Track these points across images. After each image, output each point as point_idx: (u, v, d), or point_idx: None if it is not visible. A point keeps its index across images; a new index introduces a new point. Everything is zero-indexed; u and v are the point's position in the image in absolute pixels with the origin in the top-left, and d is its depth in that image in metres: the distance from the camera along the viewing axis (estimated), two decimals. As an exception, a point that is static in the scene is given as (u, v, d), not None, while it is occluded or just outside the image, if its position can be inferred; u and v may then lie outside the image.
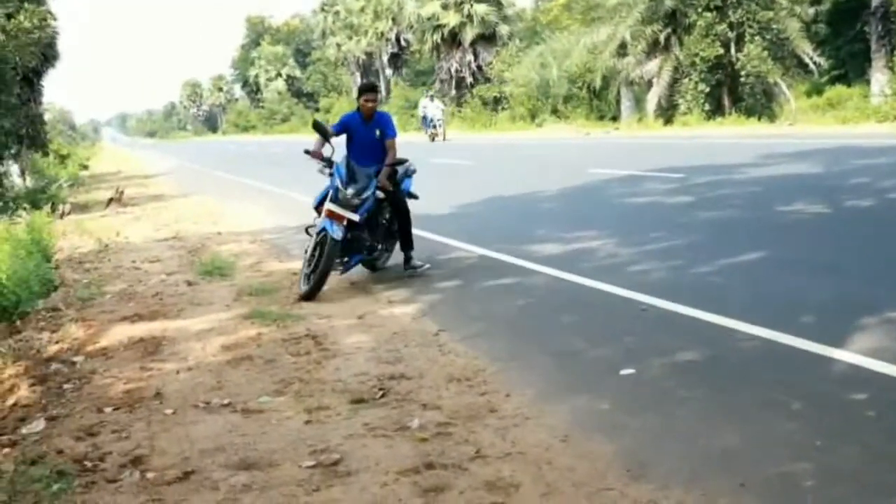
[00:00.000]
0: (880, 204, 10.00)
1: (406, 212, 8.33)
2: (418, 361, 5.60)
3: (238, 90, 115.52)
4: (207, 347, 6.33)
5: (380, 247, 8.52)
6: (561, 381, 5.07)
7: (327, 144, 8.18)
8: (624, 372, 4.99)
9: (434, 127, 37.88)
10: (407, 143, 44.95)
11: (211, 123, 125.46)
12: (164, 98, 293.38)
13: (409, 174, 8.66)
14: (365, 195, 7.87)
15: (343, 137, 8.30)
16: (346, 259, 8.07)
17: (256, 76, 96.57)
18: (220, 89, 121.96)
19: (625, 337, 5.73)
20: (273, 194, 18.50)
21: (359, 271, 8.51)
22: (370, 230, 8.18)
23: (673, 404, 4.52)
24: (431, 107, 38.74)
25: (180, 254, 11.18)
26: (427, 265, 8.44)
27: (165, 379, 5.64)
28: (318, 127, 8.21)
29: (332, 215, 7.74)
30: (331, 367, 5.60)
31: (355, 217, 7.80)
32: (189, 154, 51.19)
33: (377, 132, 8.23)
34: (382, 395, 4.98)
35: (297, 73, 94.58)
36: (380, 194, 8.07)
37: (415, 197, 8.62)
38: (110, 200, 19.24)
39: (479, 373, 5.27)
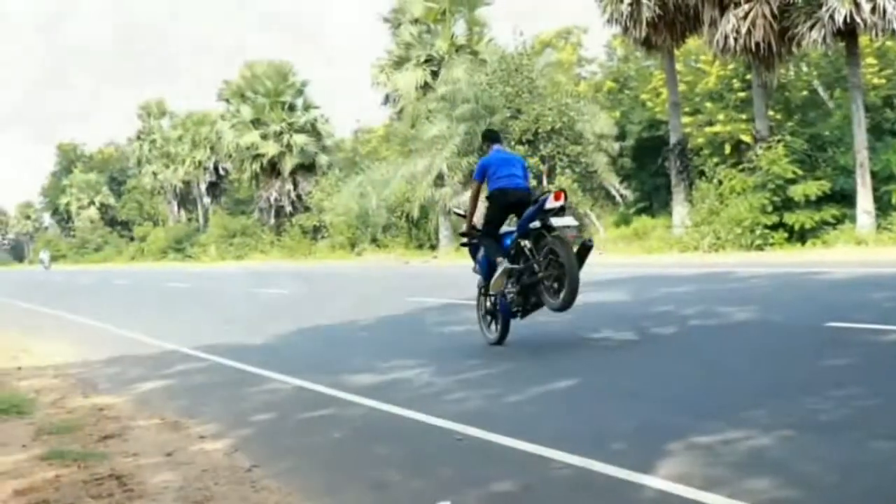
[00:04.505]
0: (682, 331, 10.47)
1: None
2: (229, 500, 5.37)
3: (47, 218, 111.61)
4: (-2, 493, 5.89)
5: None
6: (376, 516, 4.96)
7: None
8: (440, 504, 4.94)
9: (45, 264, 71.81)
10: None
11: (17, 253, 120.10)
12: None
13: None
14: None
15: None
16: None
17: (68, 204, 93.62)
18: (28, 217, 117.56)
19: (440, 468, 5.68)
20: (83, 326, 17.72)
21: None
22: None
23: (488, 535, 4.49)
24: (45, 255, 74.76)
25: (-26, 392, 10.47)
26: None
27: (-52, 530, 5.21)
28: None
29: None
30: (134, 510, 5.31)
31: None
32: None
33: None
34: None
35: (112, 200, 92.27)
36: None
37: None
38: None
39: (293, 510, 5.10)
